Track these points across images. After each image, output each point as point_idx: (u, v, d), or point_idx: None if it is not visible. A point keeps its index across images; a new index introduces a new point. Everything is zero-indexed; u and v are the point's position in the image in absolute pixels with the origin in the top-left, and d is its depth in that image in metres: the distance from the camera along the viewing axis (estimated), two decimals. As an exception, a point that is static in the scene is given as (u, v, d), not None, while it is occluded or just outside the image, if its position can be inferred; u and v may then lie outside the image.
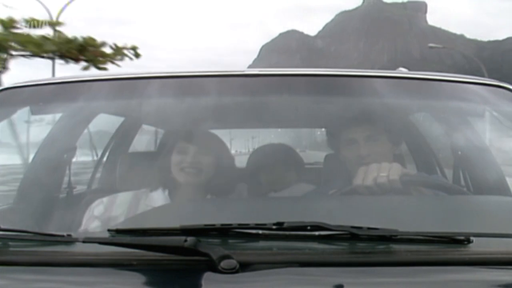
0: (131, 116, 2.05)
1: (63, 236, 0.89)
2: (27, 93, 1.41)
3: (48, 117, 1.67)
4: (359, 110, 1.47)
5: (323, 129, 2.43)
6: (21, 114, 1.46)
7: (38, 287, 0.80)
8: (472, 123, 1.60)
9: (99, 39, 10.41)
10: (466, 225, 1.00)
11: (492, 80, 1.41)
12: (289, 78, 1.40)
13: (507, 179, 1.59)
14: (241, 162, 1.91)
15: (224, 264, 0.75)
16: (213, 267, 0.75)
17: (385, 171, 1.24)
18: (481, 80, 1.41)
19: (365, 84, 1.38)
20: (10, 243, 0.90)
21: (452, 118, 1.72)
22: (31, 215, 1.46)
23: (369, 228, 0.85)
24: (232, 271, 0.75)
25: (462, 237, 0.84)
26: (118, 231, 0.89)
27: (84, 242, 0.85)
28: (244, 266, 0.76)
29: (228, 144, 1.65)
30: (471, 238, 0.84)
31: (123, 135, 2.30)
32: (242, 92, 1.40)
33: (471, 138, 1.58)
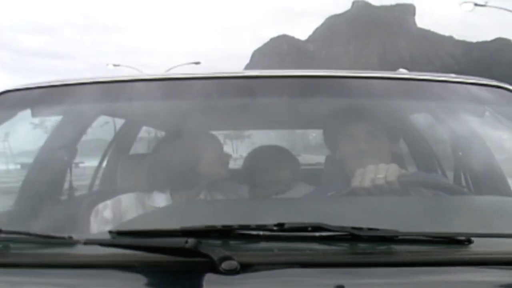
0: (132, 118, 2.05)
1: (64, 238, 0.89)
2: (28, 95, 1.41)
3: (49, 120, 1.67)
4: (360, 110, 1.47)
5: (319, 131, 2.42)
6: (22, 116, 1.46)
7: None
8: (472, 123, 1.60)
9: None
10: (467, 225, 1.00)
11: (492, 80, 1.42)
12: (290, 79, 1.40)
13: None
14: (239, 163, 1.91)
15: (225, 265, 0.75)
16: (214, 268, 0.75)
17: (383, 173, 1.23)
18: (481, 80, 1.41)
19: (365, 85, 1.38)
20: (12, 245, 0.90)
21: (452, 118, 1.71)
22: (33, 217, 1.46)
23: (369, 229, 0.85)
24: (233, 272, 0.75)
25: (462, 238, 0.84)
26: (119, 233, 0.89)
27: (85, 244, 0.85)
28: (245, 267, 0.76)
29: (226, 146, 1.65)
30: (472, 238, 0.84)
31: (124, 137, 2.30)
32: (242, 94, 1.40)
33: (471, 139, 1.58)
